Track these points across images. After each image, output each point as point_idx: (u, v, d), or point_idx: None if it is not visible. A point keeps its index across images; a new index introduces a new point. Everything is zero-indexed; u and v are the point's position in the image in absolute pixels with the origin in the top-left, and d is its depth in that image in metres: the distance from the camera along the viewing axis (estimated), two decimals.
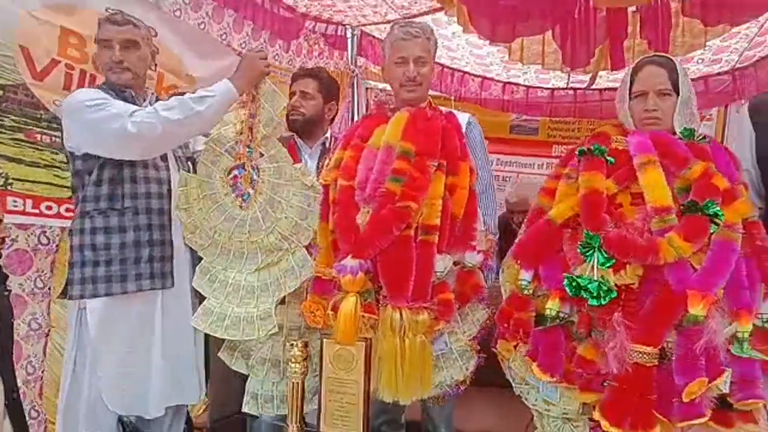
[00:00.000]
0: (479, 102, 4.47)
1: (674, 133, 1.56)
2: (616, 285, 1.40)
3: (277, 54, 3.59)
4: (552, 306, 1.49)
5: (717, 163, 1.48)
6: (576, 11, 2.39)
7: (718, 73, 3.96)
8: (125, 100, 1.78)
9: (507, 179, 4.75)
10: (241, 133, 1.91)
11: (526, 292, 1.58)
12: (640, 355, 1.35)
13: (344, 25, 4.03)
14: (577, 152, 1.59)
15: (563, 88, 4.15)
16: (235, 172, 1.90)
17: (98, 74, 2.32)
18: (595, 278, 1.39)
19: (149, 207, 1.82)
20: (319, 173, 2.18)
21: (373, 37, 4.22)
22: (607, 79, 3.83)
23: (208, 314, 1.90)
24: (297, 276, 1.86)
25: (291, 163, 1.89)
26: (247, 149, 1.88)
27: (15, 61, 2.08)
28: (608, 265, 1.40)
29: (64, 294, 1.81)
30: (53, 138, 2.25)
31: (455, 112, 1.92)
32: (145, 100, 1.88)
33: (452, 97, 4.46)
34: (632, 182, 1.49)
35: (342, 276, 1.61)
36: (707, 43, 2.95)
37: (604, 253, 1.40)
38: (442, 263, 1.65)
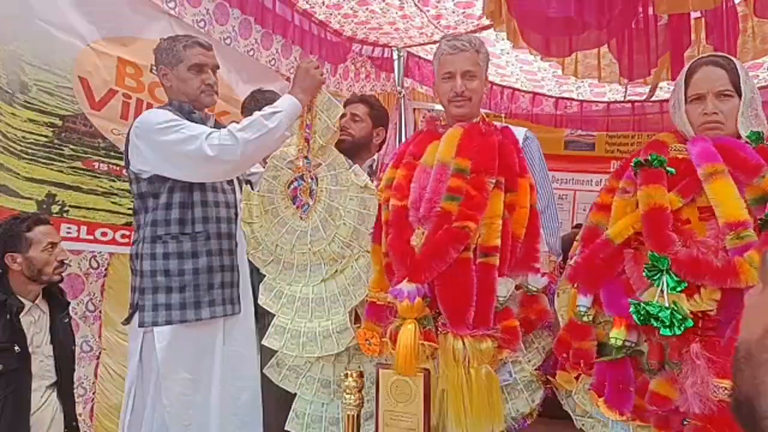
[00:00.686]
0: (531, 118, 4.36)
1: (739, 138, 1.40)
2: (691, 312, 1.24)
3: (325, 78, 3.62)
4: (617, 335, 1.34)
5: None
6: (634, 20, 2.27)
7: None
8: (194, 121, 1.76)
9: (564, 197, 4.58)
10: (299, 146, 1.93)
11: (585, 318, 1.44)
12: (726, 391, 1.20)
13: (390, 46, 4.05)
14: (632, 164, 1.44)
15: (620, 102, 3.98)
16: (295, 184, 1.88)
17: (154, 102, 2.40)
18: (666, 305, 1.24)
19: (219, 231, 1.81)
20: None
21: (420, 57, 4.21)
22: (667, 90, 3.64)
23: (280, 333, 1.85)
24: (364, 283, 1.80)
25: (347, 168, 1.85)
26: (305, 159, 1.86)
27: (74, 92, 2.16)
28: (679, 289, 1.25)
29: (129, 320, 1.79)
30: (111, 166, 2.29)
31: (511, 126, 1.82)
32: (209, 121, 1.90)
33: (503, 115, 4.39)
34: (699, 195, 1.34)
35: (399, 301, 1.52)
36: None
37: (673, 276, 1.25)
38: (504, 287, 1.56)
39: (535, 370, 1.66)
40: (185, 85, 1.79)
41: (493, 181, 1.58)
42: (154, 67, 2.41)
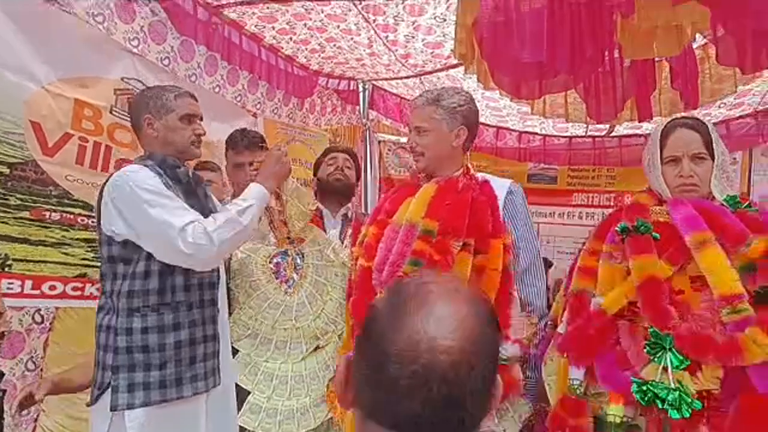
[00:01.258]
0: (495, 152, 4.44)
1: (713, 200, 1.43)
2: (696, 393, 1.21)
3: (291, 112, 3.57)
4: (616, 411, 1.30)
5: None
6: (602, 67, 2.33)
7: (741, 117, 3.90)
8: (179, 178, 1.67)
9: None
10: (275, 227, 1.88)
11: (578, 392, 1.39)
12: None
13: (356, 79, 4.04)
14: (618, 229, 1.43)
15: (581, 136, 4.10)
16: (278, 259, 1.85)
17: (113, 145, 2.27)
18: (672, 384, 1.22)
19: (202, 299, 1.66)
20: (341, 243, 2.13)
21: (385, 90, 4.22)
22: (625, 125, 3.78)
23: (256, 411, 1.79)
24: None
25: (330, 244, 1.82)
26: (288, 239, 1.86)
27: (24, 138, 2.00)
28: (683, 367, 1.23)
29: (95, 401, 1.56)
30: (64, 214, 2.15)
31: (494, 179, 1.78)
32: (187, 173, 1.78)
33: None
34: (688, 262, 1.33)
35: None
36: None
37: (677, 353, 1.23)
38: None
39: None
40: (176, 136, 1.69)
41: (460, 244, 1.53)
42: (115, 109, 2.32)
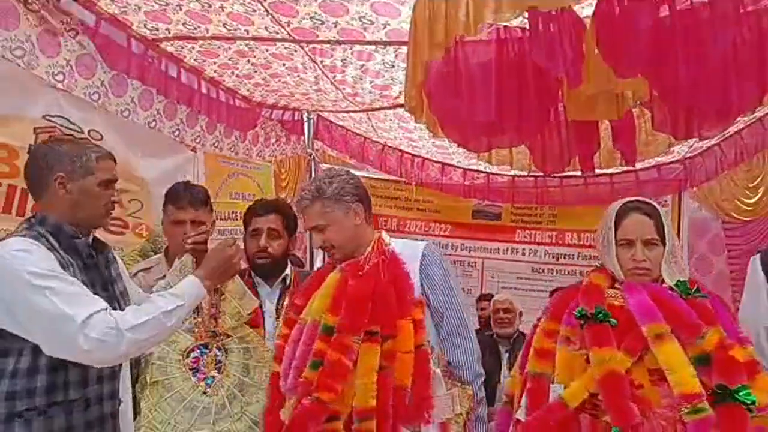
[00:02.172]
0: (440, 187, 4.49)
1: (662, 283, 1.49)
2: None
3: (233, 145, 3.46)
4: None
5: (721, 321, 1.40)
6: (547, 125, 2.40)
7: (670, 162, 4.15)
8: (76, 248, 1.47)
9: (473, 264, 4.71)
10: (201, 320, 1.76)
11: None
12: None
13: (300, 110, 3.98)
14: (576, 314, 1.45)
15: (524, 176, 4.21)
16: (196, 353, 1.72)
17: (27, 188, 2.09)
18: None
19: (101, 393, 1.45)
20: (278, 315, 2.01)
21: (330, 121, 4.18)
22: (569, 169, 3.93)
23: None
24: None
25: (264, 345, 1.76)
26: (212, 332, 1.75)
27: None
28: None
29: None
30: None
31: (408, 244, 1.77)
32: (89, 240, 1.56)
33: (413, 183, 4.47)
34: (645, 353, 1.36)
35: None
36: None
37: None
38: None
39: None
40: (91, 202, 1.50)
41: (359, 338, 1.51)
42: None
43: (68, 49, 2.24)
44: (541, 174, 4.21)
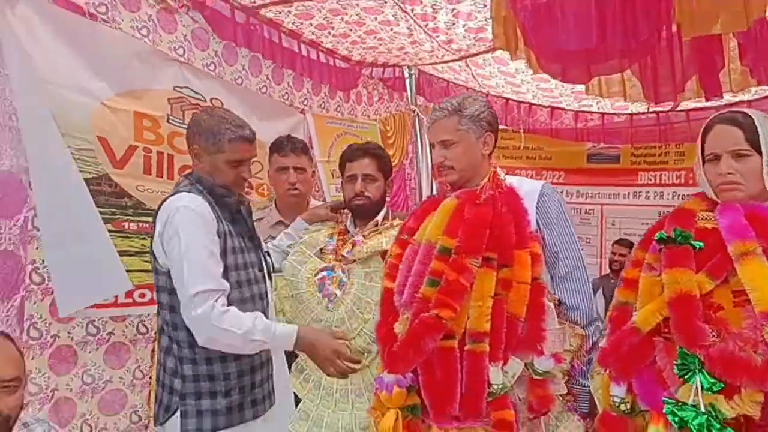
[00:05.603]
0: (550, 132, 4.44)
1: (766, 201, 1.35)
2: (732, 418, 1.17)
3: (338, 106, 3.73)
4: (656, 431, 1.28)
5: None
6: (658, 46, 2.31)
7: None
8: (228, 206, 1.77)
9: (590, 212, 4.63)
10: (331, 236, 2.01)
11: (622, 407, 1.38)
12: None
13: (401, 66, 4.15)
14: (656, 239, 1.38)
15: (644, 113, 4.04)
16: (324, 273, 1.96)
17: (175, 153, 2.50)
18: (702, 408, 1.18)
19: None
20: None
21: (431, 75, 4.31)
22: (695, 99, 3.70)
23: (305, 418, 1.95)
24: None
25: (381, 271, 1.89)
26: (342, 256, 1.96)
27: (95, 153, 2.23)
28: (716, 389, 1.19)
29: (161, 422, 1.73)
30: (140, 224, 2.31)
31: (525, 182, 1.79)
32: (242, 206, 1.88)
33: (521, 130, 4.47)
34: (732, 275, 1.27)
35: (378, 391, 1.59)
36: None
37: (707, 375, 1.20)
38: (498, 375, 1.53)
39: None
40: (218, 174, 1.77)
41: (478, 261, 1.55)
42: (171, 117, 2.54)
43: (183, 24, 2.60)
44: (664, 109, 4.02)
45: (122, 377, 2.41)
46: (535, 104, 4.31)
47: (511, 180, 1.78)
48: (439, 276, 1.56)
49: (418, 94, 4.39)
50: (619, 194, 4.59)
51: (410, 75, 4.33)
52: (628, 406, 1.39)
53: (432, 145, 1.78)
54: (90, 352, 2.30)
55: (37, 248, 2.09)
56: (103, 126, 2.27)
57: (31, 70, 2.04)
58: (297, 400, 2.06)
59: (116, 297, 2.27)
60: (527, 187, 1.74)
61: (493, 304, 1.55)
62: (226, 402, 1.70)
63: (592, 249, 4.27)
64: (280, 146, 2.44)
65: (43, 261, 2.10)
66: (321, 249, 2.07)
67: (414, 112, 4.48)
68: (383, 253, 1.95)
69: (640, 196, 4.54)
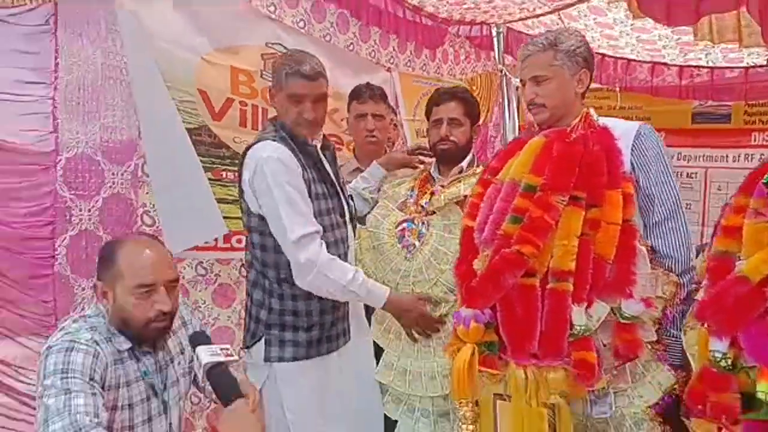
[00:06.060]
0: (651, 90, 4.17)
1: None
2: None
3: (424, 64, 3.71)
4: (765, 389, 1.19)
5: None
6: None
7: None
8: (309, 154, 1.84)
9: (693, 176, 4.33)
10: (412, 189, 2.05)
11: (723, 364, 1.30)
12: None
13: (489, 23, 4.04)
14: (763, 181, 1.28)
15: (763, 66, 3.70)
16: (404, 225, 1.99)
17: (268, 107, 2.61)
18: None
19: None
20: None
21: (520, 32, 4.16)
22: None
23: (389, 367, 2.02)
24: None
25: (460, 222, 1.88)
26: (421, 207, 1.99)
27: (196, 105, 2.40)
28: None
29: (249, 346, 1.88)
30: (236, 174, 2.44)
31: (619, 122, 1.70)
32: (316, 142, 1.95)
33: (617, 88, 4.24)
34: None
35: (456, 326, 1.60)
36: None
37: None
38: (582, 317, 1.48)
39: (649, 407, 1.57)
40: (284, 113, 1.84)
41: (565, 199, 1.50)
42: (265, 72, 2.65)
43: None
44: None
45: (230, 316, 2.62)
46: (634, 60, 4.06)
47: (605, 120, 1.70)
48: (522, 213, 1.53)
49: (506, 53, 4.25)
50: (727, 156, 4.25)
51: (498, 33, 4.18)
52: (729, 362, 1.29)
53: (522, 83, 1.73)
54: (200, 290, 2.52)
55: (147, 193, 2.28)
56: (203, 79, 2.42)
57: (140, 27, 2.20)
58: (377, 350, 2.12)
59: (216, 241, 2.45)
60: (622, 128, 1.66)
61: (579, 244, 1.49)
62: (306, 336, 1.83)
63: (693, 215, 4.00)
64: (358, 93, 2.48)
65: (153, 204, 2.29)
66: (403, 202, 2.10)
67: (501, 72, 4.35)
68: (463, 202, 1.93)
69: (751, 158, 4.18)
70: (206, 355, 1.42)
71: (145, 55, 2.22)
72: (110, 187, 2.19)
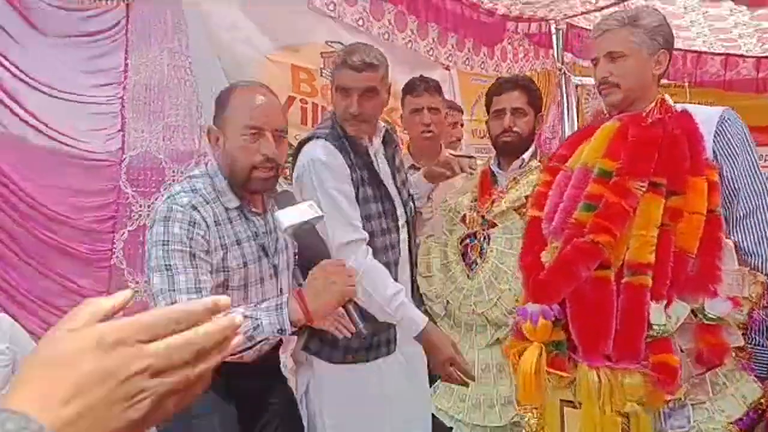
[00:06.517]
0: (724, 85, 3.97)
1: None
2: None
3: (482, 62, 3.65)
4: None
5: None
6: None
7: None
8: (360, 154, 1.72)
9: None
10: (474, 200, 1.97)
11: None
12: None
13: (548, 20, 3.94)
14: None
15: None
16: (467, 241, 1.93)
17: (328, 105, 2.60)
18: None
19: (386, 245, 1.78)
20: None
21: (581, 28, 4.05)
22: None
23: (449, 393, 1.95)
24: None
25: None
26: (482, 219, 1.92)
27: None
28: None
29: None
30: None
31: (700, 108, 1.57)
32: (374, 141, 1.84)
33: (686, 83, 4.05)
34: None
35: (522, 323, 1.45)
36: None
37: None
38: (661, 315, 1.35)
39: (731, 424, 1.40)
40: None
41: (644, 185, 1.38)
42: (324, 71, 2.65)
43: None
44: None
45: None
46: (705, 52, 3.88)
47: (683, 106, 1.55)
48: (596, 200, 1.40)
49: (565, 50, 4.14)
50: None
51: (558, 30, 4.09)
52: None
53: (595, 61, 1.58)
54: None
55: None
56: (265, 77, 2.40)
57: (206, 24, 2.24)
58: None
59: None
60: (704, 113, 1.52)
61: (659, 234, 1.36)
62: (344, 341, 1.71)
63: None
64: (413, 87, 2.36)
65: None
66: (465, 215, 2.01)
67: (560, 70, 4.24)
68: (524, 208, 1.84)
69: None
70: (285, 219, 1.34)
71: (209, 53, 2.25)
72: (170, 184, 2.21)
